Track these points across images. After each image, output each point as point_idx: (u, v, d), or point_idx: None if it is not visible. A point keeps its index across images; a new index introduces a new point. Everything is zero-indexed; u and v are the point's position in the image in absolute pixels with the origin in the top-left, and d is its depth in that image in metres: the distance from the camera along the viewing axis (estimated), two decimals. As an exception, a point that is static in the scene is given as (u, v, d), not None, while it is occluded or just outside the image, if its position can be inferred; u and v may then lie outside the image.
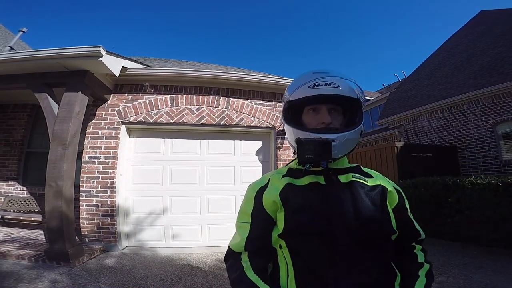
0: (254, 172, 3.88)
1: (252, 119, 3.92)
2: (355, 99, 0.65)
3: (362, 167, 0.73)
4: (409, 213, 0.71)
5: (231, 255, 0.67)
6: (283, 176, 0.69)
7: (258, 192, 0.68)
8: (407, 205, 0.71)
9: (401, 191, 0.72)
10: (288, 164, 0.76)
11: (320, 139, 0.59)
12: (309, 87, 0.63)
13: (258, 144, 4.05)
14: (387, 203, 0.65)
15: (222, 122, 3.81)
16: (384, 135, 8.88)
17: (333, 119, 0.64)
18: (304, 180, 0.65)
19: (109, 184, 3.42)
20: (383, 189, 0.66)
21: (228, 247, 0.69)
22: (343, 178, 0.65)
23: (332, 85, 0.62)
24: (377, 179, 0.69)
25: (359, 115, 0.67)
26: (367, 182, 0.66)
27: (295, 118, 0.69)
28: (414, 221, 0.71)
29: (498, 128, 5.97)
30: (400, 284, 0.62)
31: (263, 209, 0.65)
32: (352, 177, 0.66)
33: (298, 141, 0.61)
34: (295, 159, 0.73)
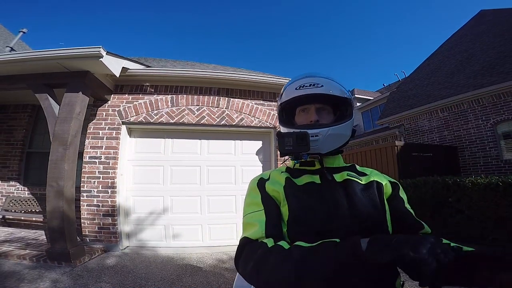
0: (255, 172, 3.88)
1: (252, 119, 3.92)
2: (341, 98, 0.68)
3: (357, 166, 0.74)
4: (405, 204, 0.68)
5: (248, 243, 0.57)
6: (282, 172, 0.71)
7: (260, 182, 0.69)
8: (402, 195, 0.69)
9: (398, 183, 0.71)
10: (283, 162, 0.77)
11: (298, 132, 0.62)
12: (296, 88, 0.67)
13: (258, 144, 4.06)
14: (384, 197, 0.65)
15: (222, 122, 3.82)
16: (385, 134, 8.87)
17: (321, 117, 0.67)
18: (302, 180, 0.66)
19: (110, 184, 3.43)
20: (378, 184, 0.67)
21: (242, 238, 0.59)
22: (338, 177, 0.66)
23: (316, 85, 0.66)
24: (371, 176, 0.70)
25: (349, 112, 0.70)
26: (361, 181, 0.67)
27: (289, 119, 0.73)
28: (413, 213, 0.67)
29: (498, 127, 5.97)
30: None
31: (269, 196, 0.65)
32: (347, 175, 0.67)
33: (279, 134, 0.64)
34: (288, 158, 0.75)
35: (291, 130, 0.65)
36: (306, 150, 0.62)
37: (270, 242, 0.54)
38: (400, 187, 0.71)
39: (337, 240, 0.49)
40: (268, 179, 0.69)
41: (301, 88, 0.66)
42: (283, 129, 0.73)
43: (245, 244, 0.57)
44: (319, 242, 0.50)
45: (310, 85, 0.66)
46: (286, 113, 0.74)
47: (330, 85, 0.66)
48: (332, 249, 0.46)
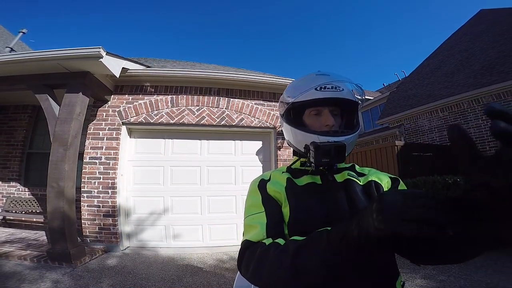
0: (255, 172, 3.88)
1: (252, 119, 3.92)
2: (355, 103, 0.67)
3: (356, 166, 0.73)
4: None
5: (250, 246, 0.57)
6: (283, 172, 0.70)
7: (261, 183, 0.68)
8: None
9: (399, 178, 0.70)
10: (290, 165, 0.76)
11: (335, 143, 0.59)
12: (316, 89, 0.63)
13: (258, 144, 4.06)
14: None
15: (222, 123, 3.82)
16: (385, 134, 8.87)
17: (335, 121, 0.66)
18: (302, 180, 0.66)
19: (110, 185, 3.43)
20: (376, 184, 0.67)
21: (244, 241, 0.59)
22: (339, 177, 0.66)
23: (337, 88, 0.63)
24: (369, 176, 0.69)
25: (356, 117, 0.69)
26: (360, 182, 0.67)
27: (296, 119, 0.70)
28: None
29: (498, 127, 5.97)
30: None
31: (271, 197, 0.64)
32: (348, 175, 0.67)
33: (315, 145, 0.60)
34: (297, 160, 0.74)
35: (319, 139, 0.61)
36: (342, 161, 0.61)
37: (268, 241, 0.54)
38: (401, 182, 0.69)
39: (329, 228, 0.47)
40: (269, 179, 0.69)
41: (322, 89, 0.62)
42: (287, 129, 0.71)
43: (247, 247, 0.57)
44: (313, 233, 0.48)
45: (332, 88, 0.62)
46: (295, 112, 0.70)
47: (347, 89, 0.65)
48: (324, 236, 0.45)
